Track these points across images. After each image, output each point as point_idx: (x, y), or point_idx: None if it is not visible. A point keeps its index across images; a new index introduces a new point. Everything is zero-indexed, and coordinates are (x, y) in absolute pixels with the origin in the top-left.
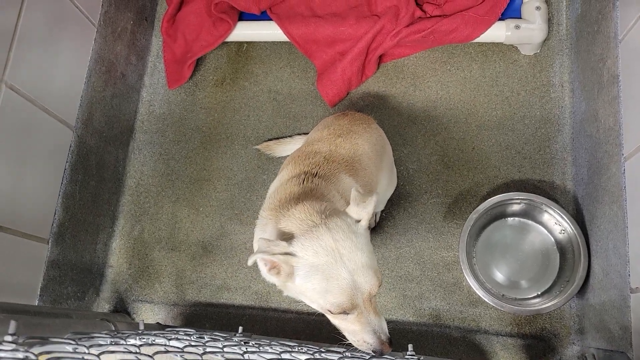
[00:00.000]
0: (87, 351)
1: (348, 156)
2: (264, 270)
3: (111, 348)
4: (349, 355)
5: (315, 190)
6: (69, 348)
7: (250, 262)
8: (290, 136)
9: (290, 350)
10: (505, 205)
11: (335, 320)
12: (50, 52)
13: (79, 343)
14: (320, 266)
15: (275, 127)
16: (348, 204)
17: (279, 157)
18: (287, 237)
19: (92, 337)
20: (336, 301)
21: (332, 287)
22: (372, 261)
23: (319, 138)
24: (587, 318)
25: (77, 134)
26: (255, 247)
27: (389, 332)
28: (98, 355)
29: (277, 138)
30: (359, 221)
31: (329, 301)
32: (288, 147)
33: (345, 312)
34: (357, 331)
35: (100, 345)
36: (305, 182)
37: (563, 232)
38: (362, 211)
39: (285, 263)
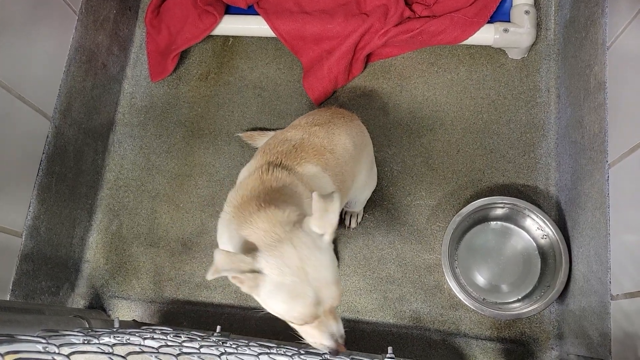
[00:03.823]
0: (57, 350)
1: (320, 145)
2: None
3: (83, 348)
4: (328, 358)
5: (276, 185)
6: (39, 347)
7: (210, 277)
8: (274, 129)
9: (269, 351)
10: (488, 209)
11: (295, 327)
12: (28, 39)
13: (49, 342)
14: (286, 285)
15: (260, 124)
16: (311, 191)
17: None
18: (251, 247)
19: (64, 336)
20: (299, 316)
21: (296, 304)
22: (336, 277)
23: (295, 125)
24: (566, 323)
25: (55, 124)
26: (217, 257)
27: (345, 332)
28: (68, 356)
29: (262, 129)
30: (323, 234)
31: (292, 315)
32: None
33: (306, 323)
34: (316, 335)
35: (72, 344)
36: (265, 174)
37: (545, 237)
38: (326, 224)
39: (250, 279)
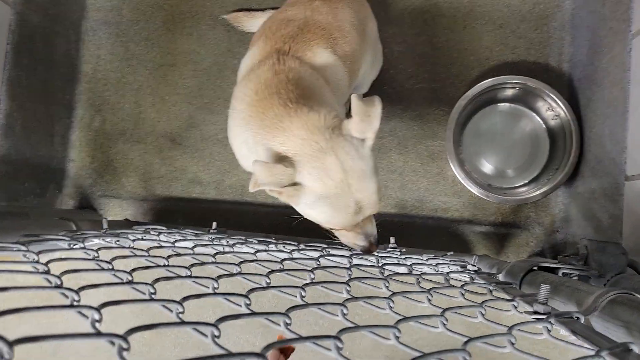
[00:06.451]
0: (36, 258)
1: (326, 22)
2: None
3: (66, 254)
4: (330, 253)
5: (292, 76)
6: (19, 255)
7: (252, 190)
8: (262, 10)
9: (267, 248)
10: (496, 90)
11: (331, 229)
12: None
13: (29, 248)
14: (328, 197)
15: (246, 4)
16: (328, 84)
17: (250, 36)
18: (285, 157)
19: (46, 240)
20: (339, 224)
21: (337, 214)
22: (378, 185)
23: (294, 2)
24: (573, 206)
25: (17, 11)
26: (256, 169)
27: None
28: (46, 264)
29: (249, 10)
30: (363, 140)
31: (332, 223)
32: (259, 22)
33: (344, 229)
34: (351, 237)
35: (55, 249)
36: (277, 65)
37: (556, 118)
38: (368, 128)
39: (290, 191)
